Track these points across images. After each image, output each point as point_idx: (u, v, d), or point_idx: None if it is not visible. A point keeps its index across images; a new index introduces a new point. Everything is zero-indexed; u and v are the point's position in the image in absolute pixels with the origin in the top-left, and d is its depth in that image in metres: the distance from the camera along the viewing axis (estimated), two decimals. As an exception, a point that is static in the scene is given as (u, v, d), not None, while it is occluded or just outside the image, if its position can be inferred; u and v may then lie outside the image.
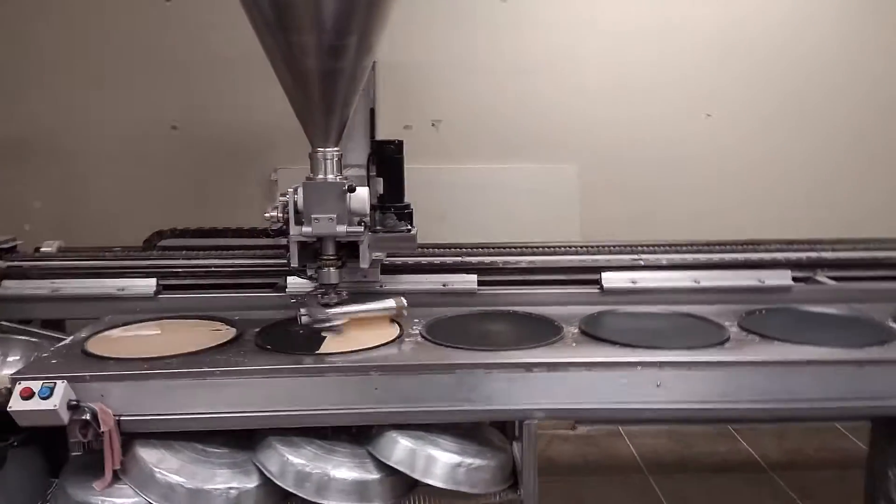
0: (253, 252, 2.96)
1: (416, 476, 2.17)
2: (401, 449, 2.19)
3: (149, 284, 2.78)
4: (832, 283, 2.94)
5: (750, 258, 2.93)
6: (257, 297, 2.81)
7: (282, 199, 2.37)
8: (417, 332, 2.47)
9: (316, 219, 2.33)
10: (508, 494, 2.26)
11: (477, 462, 2.20)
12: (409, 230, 2.52)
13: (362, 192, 2.36)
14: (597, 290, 2.86)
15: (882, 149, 3.94)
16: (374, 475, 2.17)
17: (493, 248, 2.97)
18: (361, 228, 2.38)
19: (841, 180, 3.93)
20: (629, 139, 3.86)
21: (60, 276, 2.80)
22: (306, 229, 2.34)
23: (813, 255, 3.00)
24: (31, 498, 2.25)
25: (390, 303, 2.45)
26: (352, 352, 2.29)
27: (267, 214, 2.38)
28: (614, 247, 2.98)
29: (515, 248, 2.98)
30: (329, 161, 2.41)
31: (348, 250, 2.51)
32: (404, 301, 2.47)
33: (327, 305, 2.45)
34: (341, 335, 2.41)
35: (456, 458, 2.18)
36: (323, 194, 2.36)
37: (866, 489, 2.95)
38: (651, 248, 2.99)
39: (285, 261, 2.82)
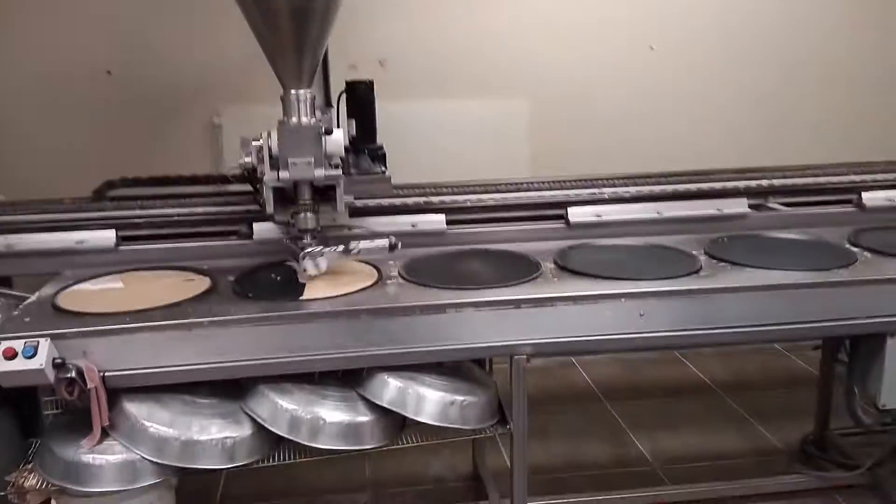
0: (213, 199, 2.86)
1: (409, 415, 2.20)
2: (392, 389, 2.20)
3: (108, 237, 2.66)
4: (785, 209, 3.07)
5: (707, 188, 3.03)
6: (224, 246, 2.73)
7: (255, 143, 2.29)
8: (396, 273, 2.47)
9: (293, 163, 2.26)
10: (498, 428, 2.31)
11: (468, 399, 2.24)
12: (384, 172, 2.47)
13: (338, 135, 2.30)
14: (563, 225, 2.91)
15: (824, 73, 4.08)
16: (367, 416, 2.19)
17: (458, 186, 2.96)
18: (339, 171, 2.33)
19: (782, 107, 4.08)
20: (578, 74, 3.89)
21: (11, 232, 2.64)
22: (283, 174, 2.27)
23: (764, 182, 3.12)
24: (11, 461, 2.16)
25: (382, 241, 2.41)
26: (337, 296, 2.27)
27: (240, 160, 2.29)
28: (577, 181, 3.02)
29: (479, 186, 2.98)
30: (303, 103, 2.32)
31: (319, 194, 2.46)
32: (395, 240, 2.42)
33: (304, 250, 2.41)
34: (319, 280, 2.38)
35: (448, 396, 2.22)
36: (299, 138, 2.28)
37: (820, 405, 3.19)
38: (612, 181, 3.04)
39: (246, 208, 2.80)
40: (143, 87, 3.61)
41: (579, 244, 2.78)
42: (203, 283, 2.41)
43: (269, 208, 2.34)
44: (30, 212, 2.72)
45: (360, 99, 2.50)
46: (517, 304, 2.24)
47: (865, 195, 3.06)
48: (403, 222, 2.81)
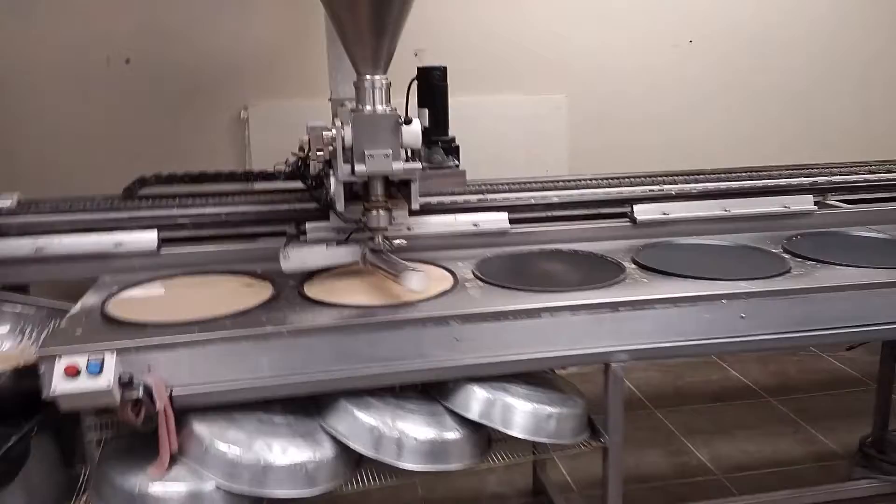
0: (256, 198, 2.65)
1: (500, 429, 2.02)
2: (482, 401, 2.03)
3: (149, 238, 2.42)
4: (847, 206, 2.96)
5: (773, 184, 2.90)
6: (275, 248, 2.50)
7: (326, 133, 2.09)
8: (471, 275, 2.29)
9: (370, 155, 2.07)
10: (592, 443, 2.15)
11: (563, 411, 2.07)
12: (457, 165, 2.29)
13: (416, 125, 2.11)
14: (628, 223, 2.75)
15: (861, 70, 4.01)
16: (456, 433, 2.00)
17: (517, 183, 2.80)
18: (418, 165, 2.14)
19: (818, 104, 3.99)
20: (615, 68, 3.75)
21: (38, 234, 2.40)
22: (359, 168, 2.08)
23: (822, 179, 3.02)
24: (57, 491, 1.94)
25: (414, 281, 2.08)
26: (416, 301, 2.08)
27: (313, 153, 2.09)
28: (640, 178, 2.88)
29: (539, 182, 2.82)
30: (378, 90, 2.13)
31: (388, 190, 2.26)
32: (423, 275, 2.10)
33: (378, 252, 2.23)
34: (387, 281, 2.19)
35: (542, 408, 2.05)
36: (375, 128, 2.07)
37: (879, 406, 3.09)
38: (673, 177, 2.91)
39: (292, 206, 2.60)
40: (164, 76, 3.37)
41: (654, 243, 2.63)
42: (265, 289, 2.20)
43: (340, 205, 2.14)
44: (58, 211, 2.47)
45: (433, 87, 2.31)
46: (615, 307, 2.07)
47: (928, 191, 2.97)
48: (465, 221, 2.63)
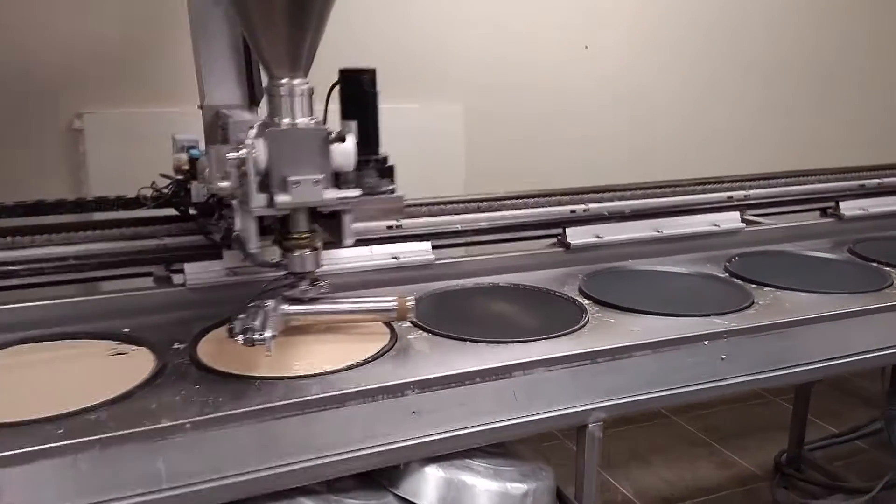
0: (115, 233, 2.06)
1: (468, 518, 1.63)
2: (440, 485, 1.64)
3: (-33, 292, 1.80)
4: (769, 223, 2.84)
5: (702, 199, 2.71)
6: (141, 297, 1.96)
7: (232, 155, 1.57)
8: (409, 323, 1.87)
9: (295, 182, 1.59)
10: (564, 515, 1.81)
11: (538, 485, 1.72)
12: (393, 189, 1.86)
13: (350, 143, 1.66)
14: (560, 249, 2.45)
15: (762, 76, 3.96)
16: (409, 528, 1.59)
17: (435, 205, 2.40)
18: (357, 191, 1.68)
19: (719, 112, 3.90)
20: (511, 75, 3.45)
21: None
22: (282, 198, 1.59)
23: (740, 193, 2.87)
24: None
25: (389, 302, 1.79)
26: (354, 365, 1.64)
27: (220, 184, 1.57)
28: (566, 197, 2.57)
29: (459, 204, 2.45)
30: (299, 98, 1.66)
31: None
32: (412, 298, 1.81)
33: (299, 301, 1.75)
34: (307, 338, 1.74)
35: (517, 487, 1.68)
36: (299, 147, 1.60)
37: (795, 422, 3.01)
38: (599, 195, 2.63)
39: (164, 241, 2.05)
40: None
41: (597, 272, 2.33)
42: (142, 358, 1.66)
43: (254, 244, 1.64)
44: None
45: (361, 94, 1.85)
46: (592, 357, 1.74)
47: (843, 205, 2.90)
48: (381, 254, 2.20)
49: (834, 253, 2.59)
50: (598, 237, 2.48)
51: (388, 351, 1.71)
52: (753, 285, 2.22)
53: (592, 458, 1.77)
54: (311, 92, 1.69)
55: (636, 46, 3.66)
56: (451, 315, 1.95)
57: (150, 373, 1.57)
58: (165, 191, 2.05)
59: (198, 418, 1.40)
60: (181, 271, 2.00)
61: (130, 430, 1.36)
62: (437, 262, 2.25)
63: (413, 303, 1.78)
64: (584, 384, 1.73)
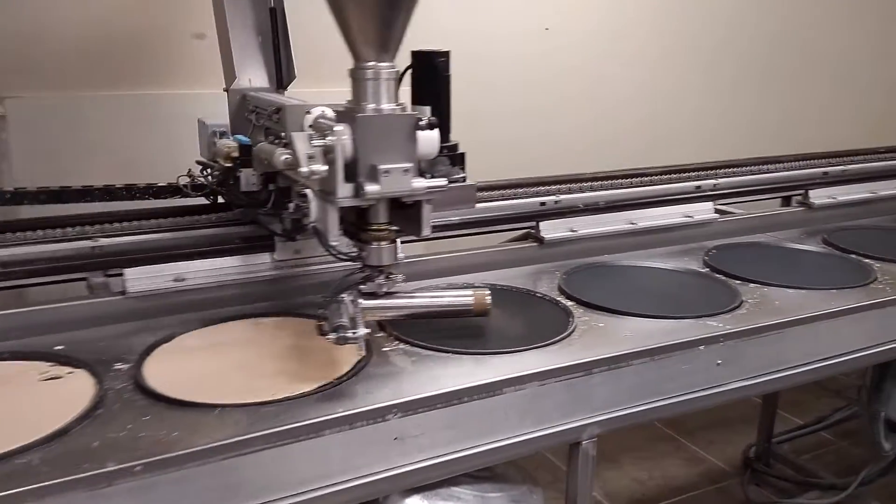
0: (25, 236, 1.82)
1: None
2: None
3: None
4: (741, 213, 2.75)
5: (676, 189, 2.60)
6: (81, 307, 1.73)
7: (319, 142, 1.46)
8: (383, 332, 1.70)
9: (385, 171, 1.48)
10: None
11: (531, 510, 1.57)
12: (465, 178, 1.73)
13: (435, 131, 1.57)
14: (534, 244, 2.30)
15: (715, 65, 3.87)
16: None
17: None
18: (444, 181, 1.57)
19: (676, 99, 3.79)
20: (471, 55, 3.26)
21: None
22: (372, 187, 1.48)
23: (709, 182, 2.77)
24: None
25: (466, 296, 1.68)
26: (327, 386, 1.45)
27: (305, 168, 1.45)
28: (536, 187, 2.42)
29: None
30: (386, 82, 1.55)
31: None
32: (487, 291, 1.70)
33: (374, 296, 1.64)
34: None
35: (509, 513, 1.52)
36: (389, 134, 1.51)
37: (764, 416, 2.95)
38: (569, 186, 2.49)
39: (95, 244, 1.82)
40: None
41: (576, 268, 2.19)
42: (80, 383, 1.44)
43: (334, 234, 1.54)
44: None
45: (436, 77, 1.74)
46: (588, 368, 1.59)
47: (812, 193, 2.84)
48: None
49: (810, 244, 2.52)
50: (572, 231, 2.34)
51: (364, 367, 1.53)
52: (738, 281, 2.12)
53: (587, 478, 1.64)
54: (398, 76, 1.58)
55: (601, 35, 3.51)
56: (428, 322, 1.77)
57: (90, 402, 1.36)
58: (210, 179, 1.91)
59: (150, 459, 1.20)
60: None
61: (67, 477, 1.15)
62: (405, 262, 2.07)
63: (490, 297, 1.68)
64: (580, 398, 1.59)
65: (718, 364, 1.76)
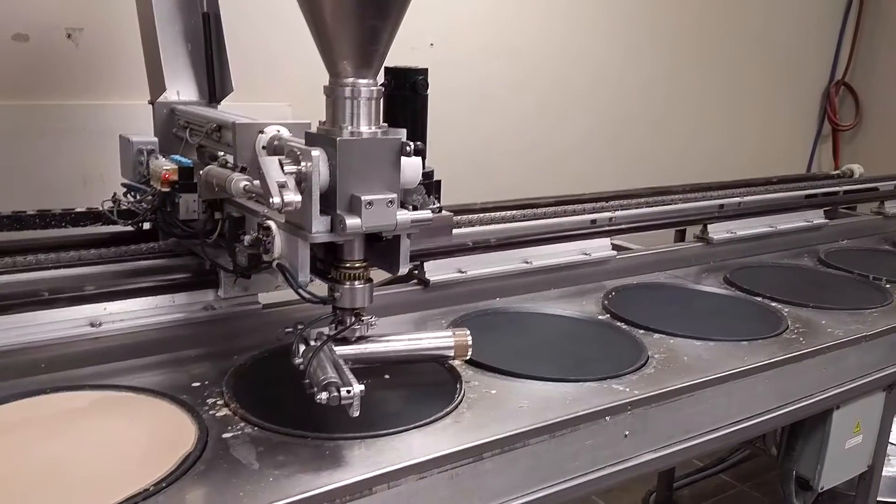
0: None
1: None
2: None
3: None
4: (638, 249, 2.57)
5: (568, 223, 2.37)
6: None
7: (291, 169, 1.28)
8: (227, 411, 1.37)
9: (368, 203, 1.29)
10: None
11: None
12: (441, 209, 1.61)
13: (418, 158, 1.40)
14: (417, 287, 2.02)
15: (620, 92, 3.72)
16: None
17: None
18: (428, 214, 1.40)
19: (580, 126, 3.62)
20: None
21: None
22: (353, 221, 1.29)
23: (605, 216, 2.56)
24: None
25: (446, 338, 1.52)
26: (136, 497, 1.10)
27: (276, 199, 1.24)
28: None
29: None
30: (366, 102, 1.36)
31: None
32: (467, 332, 1.53)
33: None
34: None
35: None
36: (370, 161, 1.34)
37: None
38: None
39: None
40: None
41: (466, 316, 1.92)
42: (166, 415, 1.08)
43: (305, 276, 1.35)
44: None
45: (413, 98, 1.60)
46: (478, 453, 1.32)
47: (711, 227, 2.69)
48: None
49: (712, 284, 2.36)
50: (461, 272, 2.08)
51: (194, 464, 1.19)
52: (641, 331, 1.91)
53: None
54: (379, 95, 1.38)
55: (487, 55, 3.29)
56: (276, 391, 1.46)
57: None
58: (143, 205, 1.65)
59: None
60: None
61: None
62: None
63: (470, 339, 1.52)
64: (466, 490, 1.31)
65: (626, 436, 1.53)
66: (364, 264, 1.43)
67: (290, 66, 2.82)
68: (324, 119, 1.42)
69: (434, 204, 1.51)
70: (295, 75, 2.84)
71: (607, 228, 2.46)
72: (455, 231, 2.13)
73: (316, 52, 1.54)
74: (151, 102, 1.80)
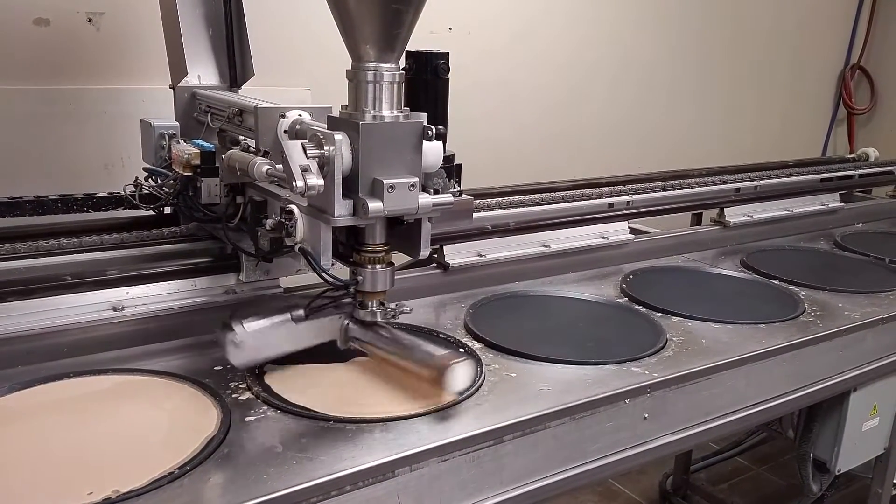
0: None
1: None
2: None
3: None
4: (656, 232, 2.57)
5: (586, 207, 2.37)
6: None
7: (314, 153, 1.28)
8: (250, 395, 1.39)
9: (390, 187, 1.31)
10: None
11: None
12: (461, 192, 1.55)
13: (440, 142, 1.40)
14: (437, 271, 2.03)
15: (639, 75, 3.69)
16: None
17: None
18: (449, 198, 1.42)
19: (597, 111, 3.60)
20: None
21: None
22: (375, 205, 1.30)
23: (622, 199, 2.56)
24: None
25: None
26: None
27: (299, 182, 1.25)
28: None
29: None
30: (388, 86, 1.37)
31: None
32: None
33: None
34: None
35: None
36: (393, 145, 1.35)
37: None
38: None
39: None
40: None
41: (481, 302, 1.93)
42: (189, 399, 1.16)
43: (327, 259, 1.36)
44: None
45: (434, 82, 1.58)
46: (498, 436, 1.33)
47: (728, 211, 2.69)
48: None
49: (729, 268, 2.36)
50: (480, 255, 2.09)
51: (218, 447, 1.21)
52: (658, 314, 1.92)
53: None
54: (402, 79, 1.39)
55: (506, 38, 3.27)
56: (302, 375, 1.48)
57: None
58: (165, 189, 1.66)
59: None
60: None
61: None
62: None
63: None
64: (488, 473, 1.33)
65: (645, 418, 1.54)
66: (386, 248, 1.45)
67: (310, 50, 2.82)
68: (345, 103, 1.44)
69: (454, 188, 1.50)
70: (314, 60, 2.84)
71: (625, 212, 2.46)
72: (474, 215, 2.16)
73: (335, 37, 1.55)
74: (172, 87, 1.81)
